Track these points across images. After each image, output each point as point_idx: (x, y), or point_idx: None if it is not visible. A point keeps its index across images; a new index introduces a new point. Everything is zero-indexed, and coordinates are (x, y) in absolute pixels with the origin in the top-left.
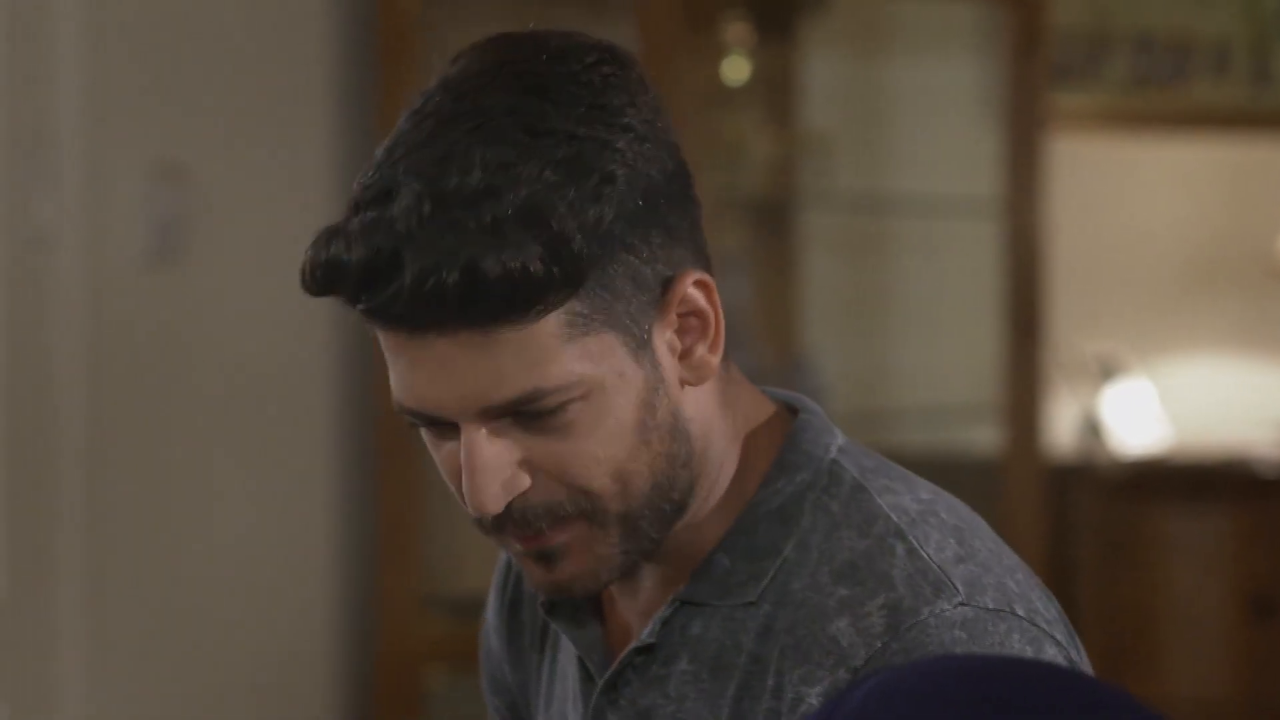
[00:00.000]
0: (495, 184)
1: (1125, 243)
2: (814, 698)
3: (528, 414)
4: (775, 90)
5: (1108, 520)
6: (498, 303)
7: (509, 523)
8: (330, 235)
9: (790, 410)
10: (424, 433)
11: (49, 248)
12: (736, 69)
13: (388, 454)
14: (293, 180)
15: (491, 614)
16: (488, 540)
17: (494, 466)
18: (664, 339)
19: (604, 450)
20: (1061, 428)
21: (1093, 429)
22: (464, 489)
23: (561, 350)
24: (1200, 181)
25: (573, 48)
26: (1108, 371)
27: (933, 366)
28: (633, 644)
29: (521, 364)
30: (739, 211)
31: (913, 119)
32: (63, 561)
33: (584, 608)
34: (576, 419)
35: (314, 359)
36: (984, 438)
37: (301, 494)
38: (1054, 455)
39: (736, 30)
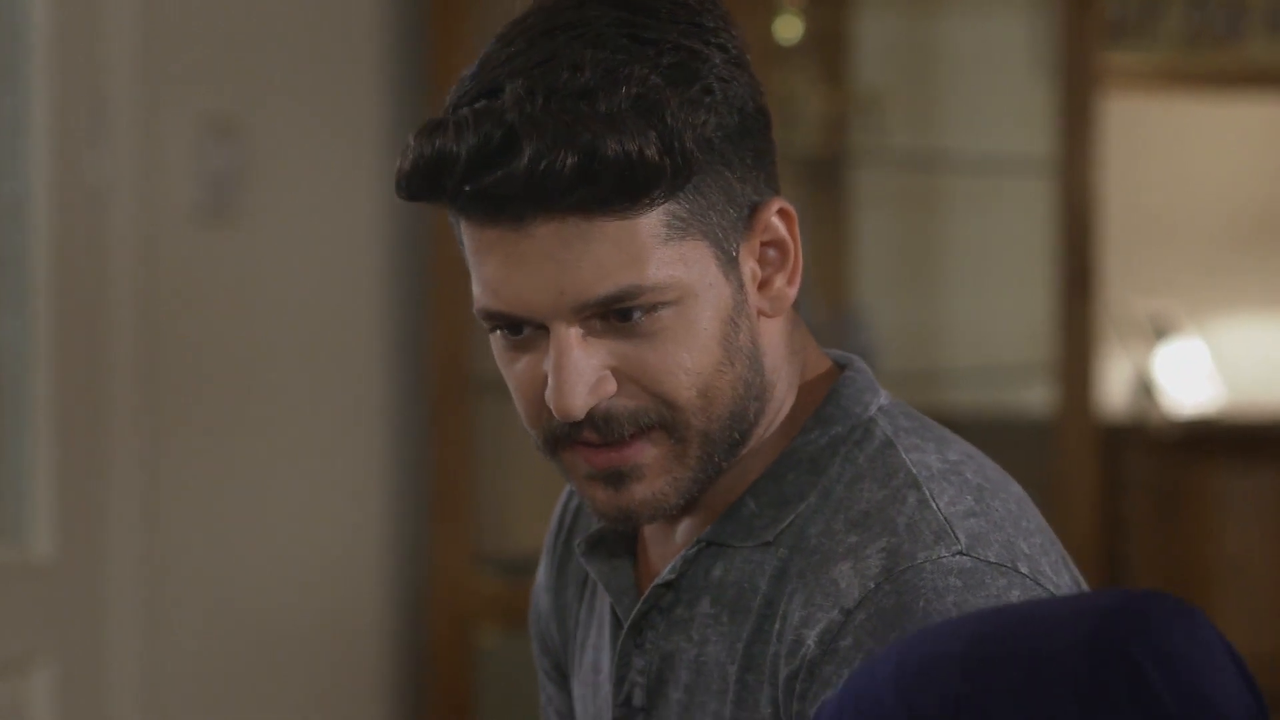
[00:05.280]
0: (607, 80)
1: (1178, 201)
2: (811, 639)
3: (620, 315)
4: (828, 48)
5: (1160, 479)
6: (612, 186)
7: (588, 429)
8: (432, 130)
9: (841, 369)
10: (499, 346)
11: (101, 203)
12: (789, 27)
13: (440, 413)
14: (345, 135)
15: (542, 573)
16: (539, 498)
17: (583, 367)
18: (748, 265)
19: (692, 360)
20: (1114, 387)
21: (1145, 388)
22: (548, 392)
23: (658, 250)
24: (1254, 140)
25: None
26: (1160, 331)
27: (985, 325)
28: (655, 580)
29: (621, 259)
30: (792, 169)
31: (966, 77)
32: (115, 521)
33: (619, 552)
34: (668, 325)
35: (367, 316)
36: (1036, 397)
37: (354, 453)
38: (1106, 414)
39: None
